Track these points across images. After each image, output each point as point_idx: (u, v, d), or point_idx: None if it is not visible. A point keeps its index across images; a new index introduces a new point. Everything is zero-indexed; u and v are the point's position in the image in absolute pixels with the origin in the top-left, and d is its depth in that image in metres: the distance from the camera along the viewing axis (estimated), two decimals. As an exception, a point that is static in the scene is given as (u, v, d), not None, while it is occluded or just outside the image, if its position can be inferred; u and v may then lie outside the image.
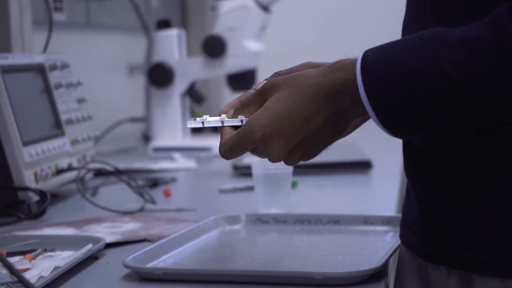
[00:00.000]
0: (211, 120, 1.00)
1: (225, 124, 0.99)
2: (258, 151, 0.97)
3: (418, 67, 0.86)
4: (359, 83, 0.89)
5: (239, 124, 0.98)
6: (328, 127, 0.94)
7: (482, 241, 0.91)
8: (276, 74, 1.01)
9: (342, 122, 0.94)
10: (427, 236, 0.97)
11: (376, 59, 0.90)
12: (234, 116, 0.99)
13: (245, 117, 0.98)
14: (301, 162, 0.98)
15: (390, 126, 0.90)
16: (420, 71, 0.86)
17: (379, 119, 0.90)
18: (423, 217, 0.98)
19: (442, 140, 0.94)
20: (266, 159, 0.99)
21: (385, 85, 0.88)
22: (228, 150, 0.97)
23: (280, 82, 0.95)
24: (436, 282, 0.99)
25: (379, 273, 1.01)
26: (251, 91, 1.02)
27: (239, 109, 0.99)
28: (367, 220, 1.28)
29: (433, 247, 0.97)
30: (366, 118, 1.00)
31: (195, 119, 1.00)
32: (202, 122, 1.00)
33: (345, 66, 0.92)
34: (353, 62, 0.91)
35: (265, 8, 2.48)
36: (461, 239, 0.93)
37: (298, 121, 0.93)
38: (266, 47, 2.57)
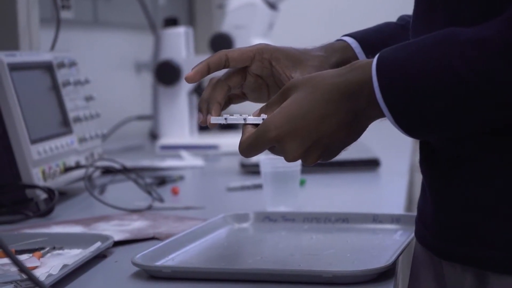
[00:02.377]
0: (234, 117, 1.02)
1: (247, 122, 1.00)
2: (275, 150, 0.98)
3: (431, 68, 0.87)
4: (375, 83, 0.90)
5: (261, 122, 0.98)
6: (343, 128, 0.94)
7: (497, 239, 0.91)
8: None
9: (358, 123, 0.94)
10: (443, 233, 0.97)
11: (391, 60, 0.90)
12: (258, 114, 1.00)
13: (267, 116, 0.98)
14: None
15: (406, 126, 0.91)
16: (433, 71, 0.87)
17: (395, 119, 0.90)
18: (439, 214, 0.98)
19: (458, 138, 0.93)
20: (275, 157, 1.00)
21: (400, 85, 0.89)
22: (246, 149, 0.98)
23: (299, 82, 0.96)
24: (451, 280, 0.99)
25: (388, 272, 1.01)
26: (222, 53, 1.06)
27: (264, 108, 1.00)
28: (376, 218, 1.28)
29: (448, 245, 0.97)
30: None
31: (222, 115, 1.04)
32: (225, 119, 1.03)
33: (361, 66, 0.92)
34: (369, 62, 0.92)
35: (272, 6, 2.48)
36: (477, 237, 0.93)
37: (312, 121, 0.93)
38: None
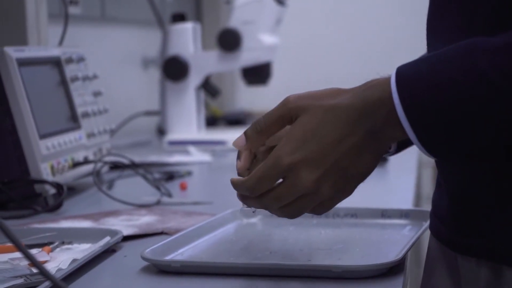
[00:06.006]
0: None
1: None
2: (284, 184, 0.92)
3: (460, 77, 0.83)
4: (396, 100, 0.85)
5: None
6: (360, 150, 0.89)
7: None
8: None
9: (375, 144, 0.90)
10: (458, 227, 0.97)
11: (412, 74, 0.86)
12: (255, 143, 0.98)
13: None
14: None
15: (431, 145, 0.86)
16: (462, 80, 0.82)
17: (418, 137, 0.86)
18: (455, 208, 0.97)
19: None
20: None
21: (424, 98, 0.84)
22: (255, 182, 0.93)
23: (307, 105, 0.91)
24: (466, 274, 0.99)
25: (397, 267, 1.01)
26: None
27: (258, 131, 0.96)
28: (385, 213, 1.28)
29: (464, 239, 0.96)
30: None
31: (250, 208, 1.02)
32: (253, 212, 1.12)
33: (379, 84, 0.88)
34: (386, 79, 0.87)
35: (280, 2, 2.48)
36: (493, 230, 0.92)
37: (327, 145, 0.89)
38: (281, 40, 2.56)
